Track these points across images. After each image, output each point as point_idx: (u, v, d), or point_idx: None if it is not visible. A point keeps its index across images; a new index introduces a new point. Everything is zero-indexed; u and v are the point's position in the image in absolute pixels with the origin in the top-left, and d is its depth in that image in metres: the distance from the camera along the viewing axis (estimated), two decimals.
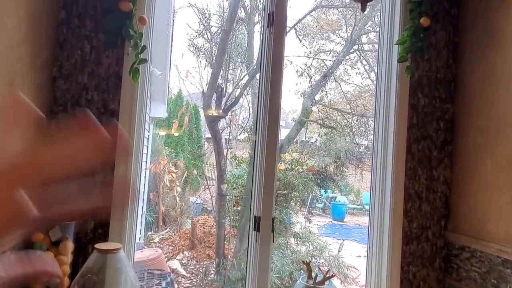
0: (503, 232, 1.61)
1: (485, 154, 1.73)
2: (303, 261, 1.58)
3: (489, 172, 1.70)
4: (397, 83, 1.87)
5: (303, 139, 5.42)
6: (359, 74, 5.86)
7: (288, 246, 5.24)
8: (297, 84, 5.51)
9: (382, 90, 1.94)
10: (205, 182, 6.07)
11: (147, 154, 4.92)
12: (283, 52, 1.84)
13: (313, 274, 1.56)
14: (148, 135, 4.69)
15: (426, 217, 1.88)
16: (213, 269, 5.20)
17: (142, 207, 5.00)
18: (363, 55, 5.74)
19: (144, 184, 5.29)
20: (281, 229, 5.43)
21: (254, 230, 1.78)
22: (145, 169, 4.97)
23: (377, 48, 2.02)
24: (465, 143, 1.86)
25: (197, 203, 7.30)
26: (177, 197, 6.76)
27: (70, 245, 1.43)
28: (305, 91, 5.08)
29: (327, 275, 1.52)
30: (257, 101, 1.90)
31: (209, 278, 5.18)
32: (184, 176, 6.93)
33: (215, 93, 4.19)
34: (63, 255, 1.41)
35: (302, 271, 4.64)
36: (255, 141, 1.89)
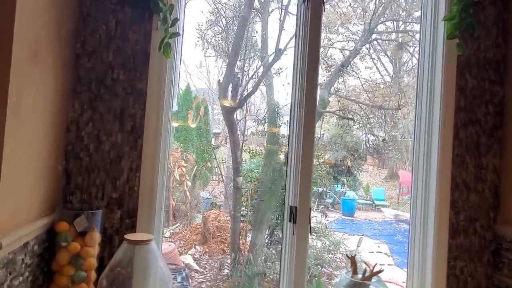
0: None
1: None
2: (347, 255, 1.45)
3: None
4: (443, 63, 1.72)
5: (319, 131, 5.28)
6: (369, 66, 5.70)
7: None
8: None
9: (426, 71, 1.79)
10: (220, 176, 5.96)
11: None
12: (320, 30, 1.69)
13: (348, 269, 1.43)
14: None
15: (474, 208, 1.74)
16: (228, 264, 5.10)
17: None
18: (380, 45, 5.57)
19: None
20: None
21: (290, 221, 1.65)
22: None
23: (419, 27, 1.87)
24: None
25: (207, 198, 7.20)
26: (187, 191, 6.66)
27: (97, 236, 1.31)
28: (322, 82, 4.93)
29: (374, 270, 1.39)
30: (292, 86, 1.76)
31: (224, 273, 5.08)
32: (194, 171, 6.83)
33: (231, 83, 4.05)
34: (90, 246, 1.29)
35: (318, 266, 4.51)
36: (289, 126, 1.75)
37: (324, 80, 4.84)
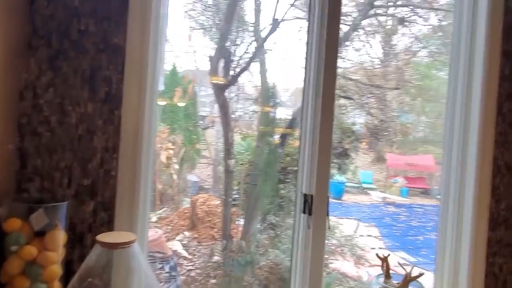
0: None
1: None
2: (377, 255, 1.17)
3: None
4: (488, 23, 1.43)
5: None
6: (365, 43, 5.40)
7: None
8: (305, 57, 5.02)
9: (463, 34, 1.50)
10: (208, 159, 5.66)
11: None
12: None
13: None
14: None
15: None
16: (218, 251, 4.85)
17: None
18: (379, 21, 5.25)
19: None
20: (291, 208, 5.08)
21: (304, 212, 1.36)
22: None
23: None
24: None
25: (194, 181, 6.94)
26: (174, 175, 6.38)
27: (61, 236, 1.00)
28: None
29: (412, 275, 1.11)
30: (305, 59, 1.45)
31: (213, 260, 4.84)
32: (181, 153, 6.52)
33: (223, 58, 3.70)
34: (51, 250, 0.97)
35: None
36: (302, 105, 1.44)
37: None
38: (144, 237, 1.21)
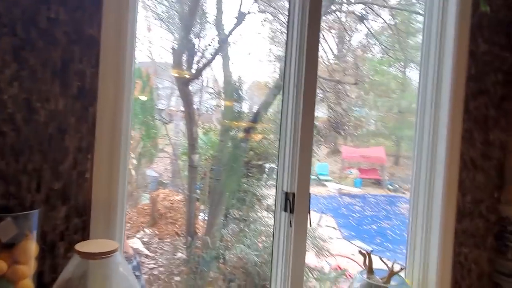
0: None
1: None
2: (359, 252, 1.19)
3: None
4: (456, 24, 1.49)
5: (276, 107, 5.02)
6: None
7: (261, 220, 4.93)
8: (270, 50, 5.01)
9: (434, 33, 1.55)
10: (168, 153, 5.52)
11: None
12: None
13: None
14: None
15: (480, 189, 1.58)
16: (181, 246, 4.76)
17: None
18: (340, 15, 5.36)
19: None
20: (254, 202, 5.09)
21: (285, 210, 1.35)
22: None
23: None
24: None
25: (154, 177, 6.75)
26: (133, 170, 6.15)
27: (32, 247, 0.90)
28: (281, 55, 4.63)
29: (393, 270, 1.15)
30: (286, 49, 1.43)
31: (177, 256, 4.74)
32: (139, 148, 6.30)
33: (186, 51, 3.59)
34: (22, 263, 0.88)
35: None
36: (282, 100, 1.43)
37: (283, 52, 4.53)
38: (122, 245, 1.14)
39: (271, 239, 4.79)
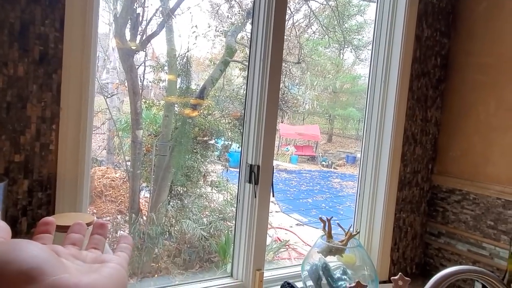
0: (505, 174, 1.57)
1: (488, 93, 1.64)
2: (320, 218, 1.29)
3: (492, 112, 1.62)
4: (406, 10, 1.61)
5: (222, 82, 4.99)
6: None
7: (206, 196, 4.97)
8: (209, 26, 4.90)
9: (386, 18, 1.66)
10: (101, 129, 5.27)
11: None
12: None
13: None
14: None
15: (418, 161, 1.76)
16: (124, 224, 4.64)
17: None
18: None
19: None
20: (199, 178, 5.10)
21: (250, 182, 1.39)
22: None
23: None
24: (461, 81, 1.74)
25: None
26: None
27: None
28: (227, 30, 4.59)
29: (350, 233, 1.26)
30: (252, 22, 1.44)
31: (118, 234, 4.62)
32: None
33: (129, 19, 3.39)
34: None
35: (223, 221, 4.45)
36: (248, 73, 1.45)
37: (232, 26, 4.50)
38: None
39: (216, 214, 4.84)
